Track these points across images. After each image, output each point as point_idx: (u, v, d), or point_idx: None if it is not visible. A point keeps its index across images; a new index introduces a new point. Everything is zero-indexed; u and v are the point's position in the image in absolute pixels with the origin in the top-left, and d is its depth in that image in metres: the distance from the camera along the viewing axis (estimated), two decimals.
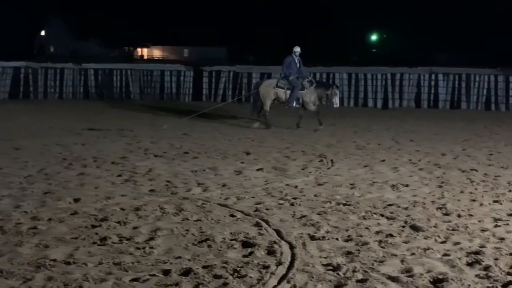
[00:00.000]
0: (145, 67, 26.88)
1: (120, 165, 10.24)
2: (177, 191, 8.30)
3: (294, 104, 16.09)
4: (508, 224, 6.77)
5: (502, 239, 6.21)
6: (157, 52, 72.17)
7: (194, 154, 11.57)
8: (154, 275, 5.06)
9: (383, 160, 11.14)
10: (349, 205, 7.61)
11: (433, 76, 23.01)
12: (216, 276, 5.03)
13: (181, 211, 7.15)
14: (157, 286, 4.86)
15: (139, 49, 71.18)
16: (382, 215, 7.12)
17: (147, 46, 72.01)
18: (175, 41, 65.27)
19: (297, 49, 16.03)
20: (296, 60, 16.01)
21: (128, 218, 6.80)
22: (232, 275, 5.07)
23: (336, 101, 16.08)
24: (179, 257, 5.50)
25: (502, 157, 11.62)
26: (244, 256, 5.58)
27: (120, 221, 6.64)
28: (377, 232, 6.41)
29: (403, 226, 6.66)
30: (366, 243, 6.00)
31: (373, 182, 9.11)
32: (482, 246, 5.94)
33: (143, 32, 62.20)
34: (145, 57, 69.27)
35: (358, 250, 5.79)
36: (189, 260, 5.44)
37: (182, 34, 59.60)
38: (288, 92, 16.04)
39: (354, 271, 5.19)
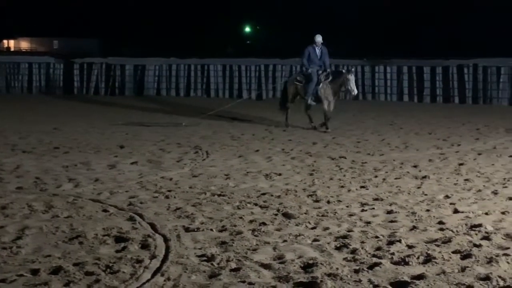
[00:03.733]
0: (11, 60, 25.71)
1: None
2: (46, 188, 8.03)
3: (310, 101, 14.55)
4: (373, 209, 7.10)
5: (368, 222, 6.51)
6: (24, 44, 69.21)
7: (65, 149, 11.23)
8: (21, 275, 4.87)
9: (257, 150, 11.34)
10: (223, 195, 7.69)
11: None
12: (88, 273, 4.92)
13: (50, 208, 6.93)
14: (25, 286, 4.69)
15: (5, 41, 67.90)
16: (256, 204, 7.26)
17: (13, 38, 68.84)
18: (44, 33, 62.81)
19: (319, 38, 14.41)
20: (317, 51, 14.42)
21: None
22: (104, 271, 4.98)
23: (352, 87, 13.98)
24: (49, 256, 5.33)
25: (368, 144, 12.17)
26: (117, 251, 5.50)
27: None
28: (251, 221, 6.52)
29: (276, 214, 6.81)
30: (240, 233, 6.09)
31: (248, 172, 9.25)
32: (350, 230, 6.20)
33: (9, 23, 59.34)
34: (12, 49, 66.19)
35: (232, 239, 5.87)
36: (59, 258, 5.29)
37: (51, 25, 57.45)
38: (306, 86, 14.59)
39: (228, 261, 5.25)
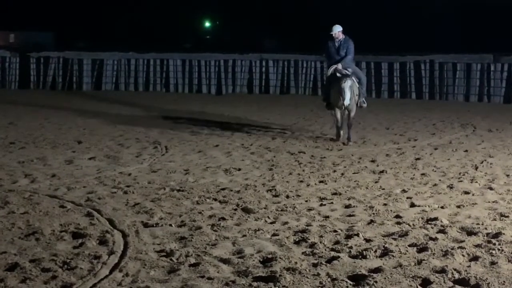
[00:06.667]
0: None
1: None
2: (1, 184, 7.89)
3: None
4: (332, 203, 7.17)
5: (327, 217, 6.57)
6: None
7: (21, 144, 11.05)
8: None
9: (217, 145, 11.32)
10: (183, 190, 7.67)
11: (263, 63, 23.68)
12: (45, 270, 4.86)
13: (6, 204, 6.81)
14: None
15: None
16: (215, 199, 7.26)
17: None
18: (0, 26, 61.61)
19: (335, 29, 11.75)
20: (336, 45, 11.84)
21: None
22: (61, 267, 4.92)
23: (344, 95, 11.26)
24: (4, 252, 5.25)
25: (327, 139, 12.25)
26: (75, 247, 5.45)
27: None
28: (210, 216, 6.52)
29: (235, 209, 6.83)
30: (199, 228, 6.09)
31: (207, 167, 9.24)
32: (308, 225, 6.24)
33: None
34: None
35: (191, 235, 5.86)
36: (15, 254, 5.21)
37: (7, 18, 56.33)
38: None
39: (187, 256, 5.25)
